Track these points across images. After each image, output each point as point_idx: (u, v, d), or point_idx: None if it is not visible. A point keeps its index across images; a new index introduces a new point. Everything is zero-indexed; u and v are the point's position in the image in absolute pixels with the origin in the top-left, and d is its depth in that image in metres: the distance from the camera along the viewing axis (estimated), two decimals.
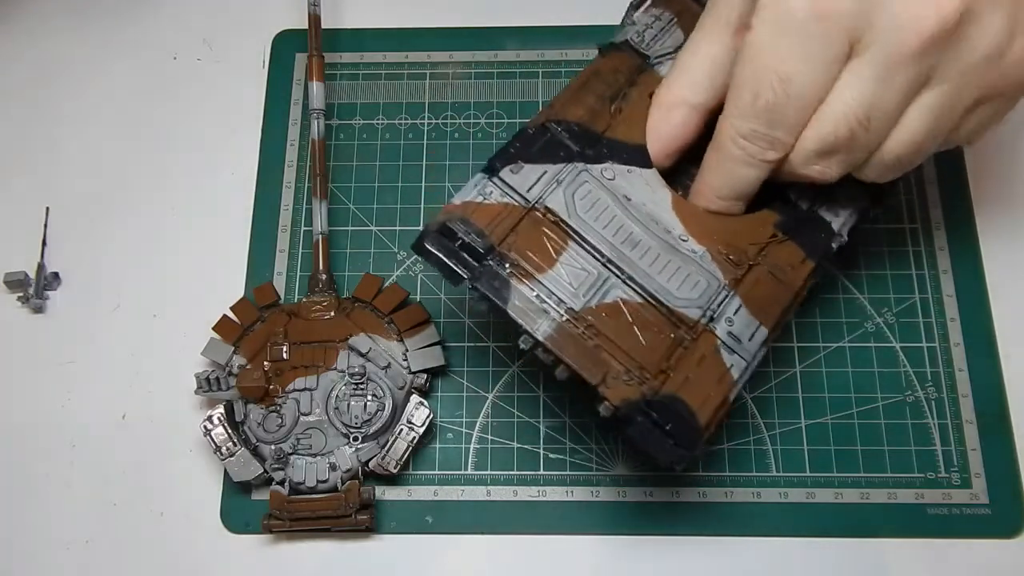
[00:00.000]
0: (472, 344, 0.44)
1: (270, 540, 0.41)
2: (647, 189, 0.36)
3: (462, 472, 0.42)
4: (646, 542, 0.41)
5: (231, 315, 0.43)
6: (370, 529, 0.40)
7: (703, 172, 0.35)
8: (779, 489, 0.41)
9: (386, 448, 0.40)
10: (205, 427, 0.40)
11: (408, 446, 0.40)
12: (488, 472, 0.42)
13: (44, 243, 0.46)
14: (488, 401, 0.43)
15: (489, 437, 0.43)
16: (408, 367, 0.42)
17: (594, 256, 0.34)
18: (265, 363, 0.42)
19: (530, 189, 0.35)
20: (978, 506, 0.41)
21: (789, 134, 0.32)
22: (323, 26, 0.47)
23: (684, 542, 0.41)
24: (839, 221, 0.37)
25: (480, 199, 0.34)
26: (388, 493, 0.42)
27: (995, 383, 0.43)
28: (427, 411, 0.41)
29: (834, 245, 0.37)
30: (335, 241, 0.46)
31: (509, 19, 0.51)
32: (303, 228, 0.46)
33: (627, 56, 0.39)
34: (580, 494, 0.42)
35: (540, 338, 0.32)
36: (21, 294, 0.45)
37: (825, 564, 0.40)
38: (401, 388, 0.41)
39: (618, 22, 0.50)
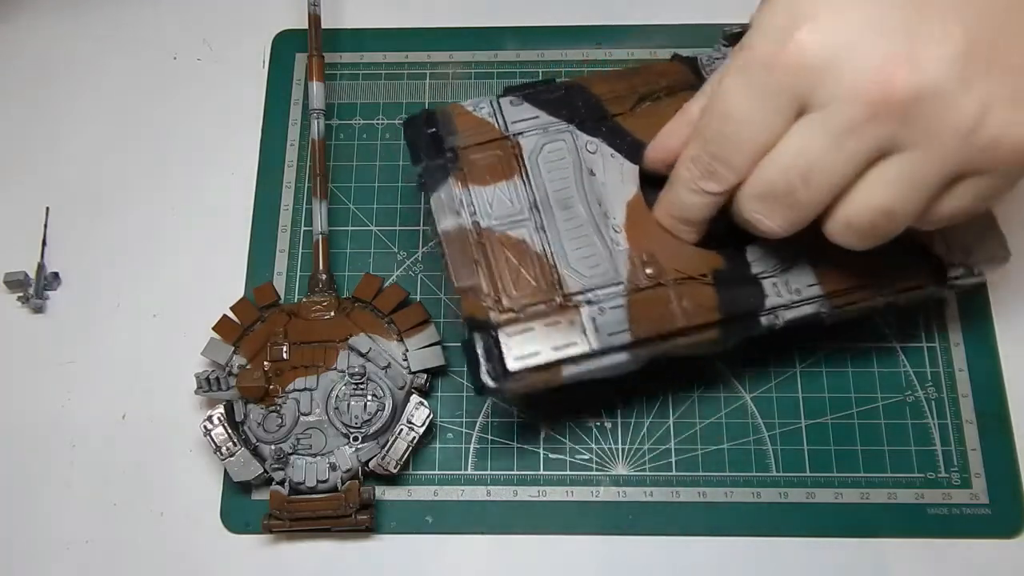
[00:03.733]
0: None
1: (270, 540, 0.41)
2: (617, 177, 0.38)
3: (462, 472, 0.42)
4: (646, 542, 0.41)
5: (231, 315, 0.43)
6: (370, 529, 0.40)
7: (665, 186, 0.36)
8: (779, 489, 0.41)
9: (386, 448, 0.40)
10: (205, 427, 0.40)
11: (408, 446, 0.40)
12: (488, 472, 0.42)
13: (44, 243, 0.46)
14: (488, 401, 0.43)
15: (489, 437, 0.43)
16: (408, 367, 0.42)
17: (527, 196, 0.37)
18: (265, 363, 0.42)
19: (515, 123, 0.39)
20: (978, 506, 0.41)
21: (730, 171, 0.32)
22: (323, 26, 0.47)
23: (684, 542, 0.41)
24: (781, 300, 0.36)
25: (471, 108, 0.39)
26: (388, 493, 0.42)
27: (995, 383, 0.43)
28: (427, 411, 0.41)
29: (763, 321, 0.36)
30: (335, 241, 0.46)
31: (509, 19, 0.51)
32: (303, 228, 0.46)
33: (684, 70, 0.41)
34: (580, 494, 0.42)
35: (439, 228, 0.37)
36: (21, 294, 0.45)
37: (825, 564, 0.40)
38: (401, 388, 0.41)
39: (617, 22, 0.50)
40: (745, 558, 0.40)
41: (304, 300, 0.43)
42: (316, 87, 0.46)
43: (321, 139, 0.45)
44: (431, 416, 0.41)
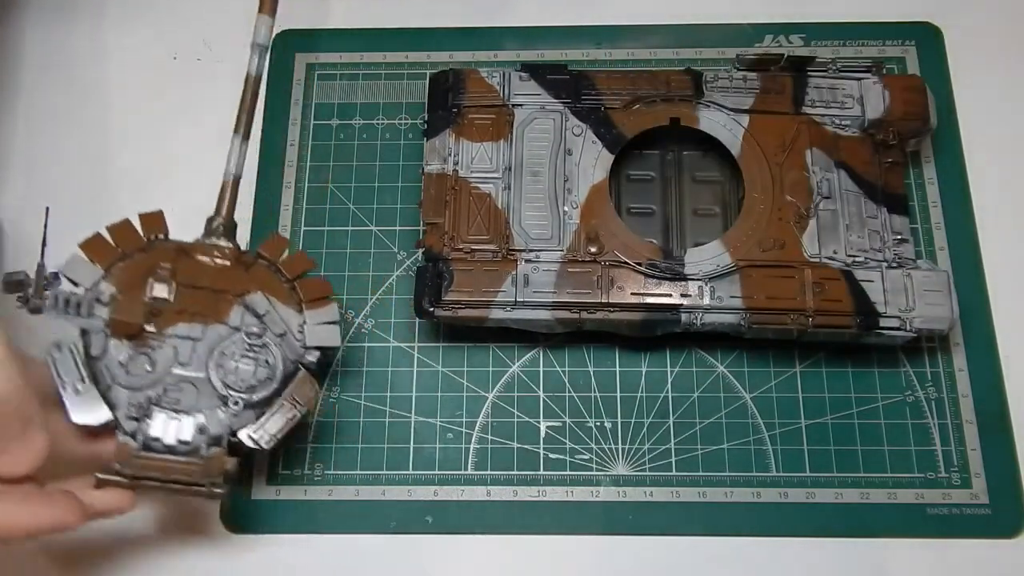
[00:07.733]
0: (472, 344, 0.44)
1: (270, 540, 0.41)
2: (591, 161, 0.42)
3: (462, 472, 0.42)
4: (646, 542, 0.41)
5: (106, 235, 0.38)
6: (224, 504, 0.38)
7: None
8: (779, 489, 0.41)
9: (264, 419, 0.36)
10: (52, 355, 0.35)
11: (287, 423, 0.36)
12: (488, 472, 0.42)
13: (44, 243, 0.46)
14: (488, 401, 0.43)
15: (489, 437, 0.43)
16: (303, 341, 0.38)
17: (505, 159, 0.42)
18: (144, 299, 0.37)
19: (517, 95, 0.44)
20: (978, 506, 0.41)
21: None
22: (324, 26, 0.47)
23: (684, 542, 0.41)
24: (703, 303, 0.40)
25: (484, 75, 0.44)
26: (388, 492, 0.42)
27: (995, 383, 0.43)
28: (314, 389, 0.37)
29: (684, 318, 0.40)
30: (335, 241, 0.46)
31: (509, 19, 0.51)
32: (303, 228, 0.46)
33: (688, 82, 0.44)
34: (580, 494, 0.42)
35: (424, 169, 0.43)
36: (21, 294, 0.45)
37: (825, 564, 0.40)
38: (294, 361, 0.38)
39: (616, 22, 0.50)
40: (745, 558, 0.40)
41: (198, 241, 0.39)
42: (262, 20, 0.42)
43: (257, 76, 0.42)
44: (318, 395, 0.38)
